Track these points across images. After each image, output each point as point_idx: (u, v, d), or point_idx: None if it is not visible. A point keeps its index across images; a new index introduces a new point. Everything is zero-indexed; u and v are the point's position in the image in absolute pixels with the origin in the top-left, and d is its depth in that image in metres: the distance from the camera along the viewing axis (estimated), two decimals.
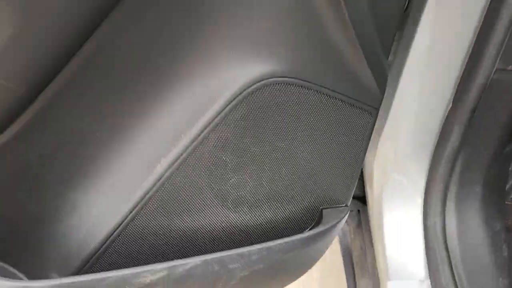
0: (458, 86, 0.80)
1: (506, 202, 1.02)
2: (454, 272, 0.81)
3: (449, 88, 0.81)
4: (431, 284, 0.83)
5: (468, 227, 0.86)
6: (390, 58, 0.87)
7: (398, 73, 0.83)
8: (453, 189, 0.88)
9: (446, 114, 0.84)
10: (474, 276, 0.81)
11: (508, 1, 0.69)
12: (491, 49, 0.72)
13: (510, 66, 0.73)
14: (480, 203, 0.88)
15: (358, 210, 1.11)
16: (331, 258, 1.16)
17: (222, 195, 0.60)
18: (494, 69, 0.74)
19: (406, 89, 0.84)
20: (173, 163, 0.56)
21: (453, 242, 0.85)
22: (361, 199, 1.09)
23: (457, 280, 0.81)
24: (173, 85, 0.56)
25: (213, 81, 0.54)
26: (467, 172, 0.87)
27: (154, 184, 0.56)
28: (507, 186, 1.03)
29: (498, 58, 0.73)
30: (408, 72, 0.81)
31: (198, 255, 0.58)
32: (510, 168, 1.04)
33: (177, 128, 0.56)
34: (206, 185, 0.59)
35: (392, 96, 0.86)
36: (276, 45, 0.53)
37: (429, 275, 0.83)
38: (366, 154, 0.96)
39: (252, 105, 0.54)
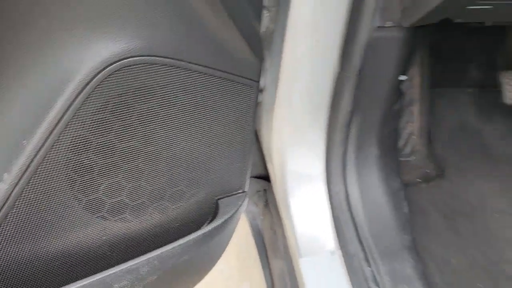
0: (343, 48, 0.78)
1: (400, 159, 1.05)
2: (361, 237, 0.81)
3: (334, 52, 0.79)
4: (341, 253, 0.82)
5: (369, 190, 0.86)
6: (270, 26, 0.82)
7: (281, 42, 0.78)
8: (351, 153, 0.87)
9: (336, 78, 0.82)
10: (379, 238, 0.81)
11: None
12: (367, 7, 0.70)
13: (388, 23, 0.72)
14: (377, 163, 0.88)
15: (265, 190, 1.07)
16: (247, 242, 1.12)
17: (94, 205, 0.51)
18: (373, 27, 0.72)
19: (292, 58, 0.79)
20: (19, 178, 0.45)
21: (356, 207, 0.84)
22: (267, 178, 1.05)
23: (364, 245, 0.80)
24: (8, 82, 0.45)
25: (54, 70, 0.43)
26: (362, 135, 0.86)
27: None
28: (400, 144, 1.06)
29: (376, 16, 0.71)
30: (290, 39, 0.77)
31: (77, 280, 0.48)
32: (400, 125, 1.06)
33: (16, 134, 0.44)
34: (71, 197, 0.49)
35: (278, 67, 0.81)
36: (126, 20, 0.44)
37: (339, 245, 0.82)
38: (263, 130, 0.91)
39: (108, 94, 0.44)
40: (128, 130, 0.47)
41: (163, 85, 0.46)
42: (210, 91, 0.50)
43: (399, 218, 0.85)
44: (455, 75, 1.28)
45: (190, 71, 0.47)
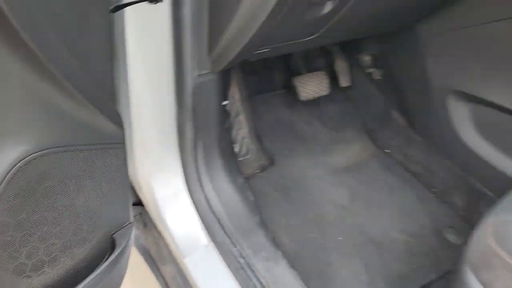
0: (177, 92, 1.01)
1: (239, 159, 1.34)
2: (224, 227, 1.07)
3: (171, 96, 1.02)
4: (213, 244, 1.07)
5: (222, 191, 1.13)
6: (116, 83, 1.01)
7: (127, 97, 0.98)
8: (202, 167, 1.12)
9: (177, 114, 1.05)
10: (236, 224, 1.09)
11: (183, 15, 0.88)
12: (187, 63, 0.95)
13: (204, 71, 0.98)
14: (223, 169, 1.15)
15: (140, 213, 1.26)
16: (136, 261, 1.29)
17: (19, 269, 0.65)
18: (195, 76, 0.97)
19: (138, 107, 1.00)
20: None
21: (216, 206, 1.10)
22: (140, 203, 1.24)
23: (227, 232, 1.07)
24: None
25: None
26: (207, 152, 1.12)
27: None
28: (237, 148, 1.36)
29: (195, 68, 0.96)
30: (134, 93, 0.97)
31: None
32: (233, 134, 1.36)
33: None
34: (1, 268, 0.63)
35: (129, 117, 1.01)
36: (12, 129, 0.60)
37: (210, 239, 1.07)
38: (129, 167, 1.10)
39: (18, 183, 0.60)
40: (38, 207, 0.63)
41: (59, 167, 0.64)
42: (91, 159, 0.69)
43: (247, 204, 1.14)
44: (266, 83, 1.63)
45: (73, 152, 0.65)
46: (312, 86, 1.53)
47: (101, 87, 0.75)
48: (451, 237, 1.26)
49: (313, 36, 1.05)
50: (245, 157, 1.37)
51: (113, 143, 0.74)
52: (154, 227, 1.19)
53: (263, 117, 1.53)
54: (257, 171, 1.41)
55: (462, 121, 1.33)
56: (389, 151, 1.56)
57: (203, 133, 1.07)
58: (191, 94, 0.99)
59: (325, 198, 1.35)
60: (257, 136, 1.44)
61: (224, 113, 1.14)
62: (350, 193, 1.37)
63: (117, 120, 0.75)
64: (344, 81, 1.67)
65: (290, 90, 1.58)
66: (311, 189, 1.37)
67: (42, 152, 0.62)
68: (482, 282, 0.68)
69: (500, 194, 0.80)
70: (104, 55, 0.79)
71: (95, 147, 0.70)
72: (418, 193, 1.39)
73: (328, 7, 0.90)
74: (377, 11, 1.07)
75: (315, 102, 1.62)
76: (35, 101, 0.60)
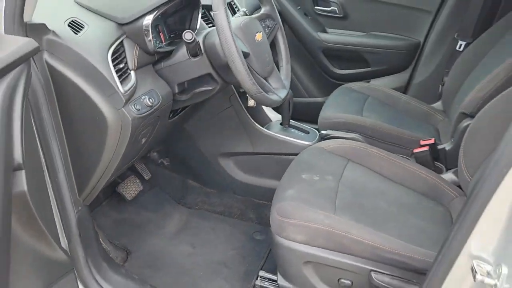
0: (64, 226, 1.41)
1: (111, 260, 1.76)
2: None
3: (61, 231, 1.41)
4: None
5: (117, 282, 1.55)
6: None
7: None
8: (97, 276, 1.53)
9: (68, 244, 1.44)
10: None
11: None
12: (67, 203, 1.38)
13: (79, 207, 1.42)
14: (110, 269, 1.57)
15: None
16: None
17: None
18: (75, 212, 1.41)
19: None
20: None
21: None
22: None
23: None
24: None
25: None
26: (96, 264, 1.53)
27: None
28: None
29: (73, 205, 1.40)
30: None
31: None
32: None
33: None
34: None
35: None
36: None
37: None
38: None
39: None
40: None
41: None
42: None
43: (140, 283, 1.60)
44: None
45: None
46: (133, 189, 2.07)
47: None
48: (258, 236, 2.02)
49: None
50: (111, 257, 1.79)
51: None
52: None
53: (106, 225, 1.96)
54: (121, 263, 1.84)
55: (231, 167, 2.14)
56: (197, 207, 2.22)
57: (91, 249, 1.49)
58: (76, 225, 1.41)
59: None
60: (108, 239, 1.87)
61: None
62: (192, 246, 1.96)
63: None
64: (146, 176, 2.27)
65: (120, 196, 2.07)
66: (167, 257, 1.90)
67: None
68: (282, 237, 1.40)
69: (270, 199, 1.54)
70: None
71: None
72: (231, 223, 2.10)
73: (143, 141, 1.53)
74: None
75: (137, 198, 2.14)
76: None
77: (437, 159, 1.82)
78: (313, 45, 2.70)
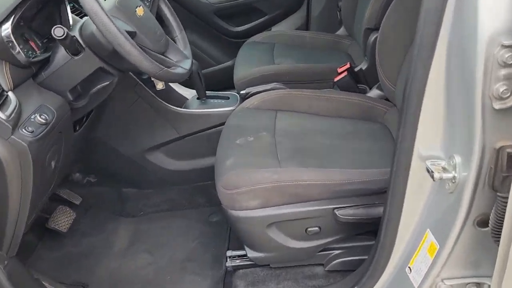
0: None
1: None
2: None
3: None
4: None
5: None
6: None
7: None
8: None
9: None
10: None
11: None
12: None
13: (5, 262, 1.23)
14: None
15: None
16: None
17: None
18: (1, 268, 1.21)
19: None
20: None
21: None
22: None
23: None
24: None
25: None
26: None
27: None
28: None
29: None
30: None
31: None
32: None
33: None
34: None
35: None
36: None
37: None
38: None
39: None
40: None
41: None
42: None
43: None
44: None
45: None
46: (65, 220, 1.86)
47: None
48: (214, 218, 1.92)
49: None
50: None
51: None
52: None
53: (49, 267, 1.76)
54: None
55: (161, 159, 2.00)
56: (142, 213, 2.07)
57: None
58: (7, 281, 1.22)
59: None
60: (58, 281, 1.68)
61: None
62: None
63: None
64: (75, 200, 2.06)
65: (53, 232, 1.85)
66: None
67: None
68: (236, 209, 1.31)
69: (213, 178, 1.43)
70: None
71: None
72: (182, 215, 1.98)
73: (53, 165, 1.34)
74: None
75: (73, 227, 1.93)
76: None
77: (359, 81, 1.82)
78: (204, 10, 2.57)
